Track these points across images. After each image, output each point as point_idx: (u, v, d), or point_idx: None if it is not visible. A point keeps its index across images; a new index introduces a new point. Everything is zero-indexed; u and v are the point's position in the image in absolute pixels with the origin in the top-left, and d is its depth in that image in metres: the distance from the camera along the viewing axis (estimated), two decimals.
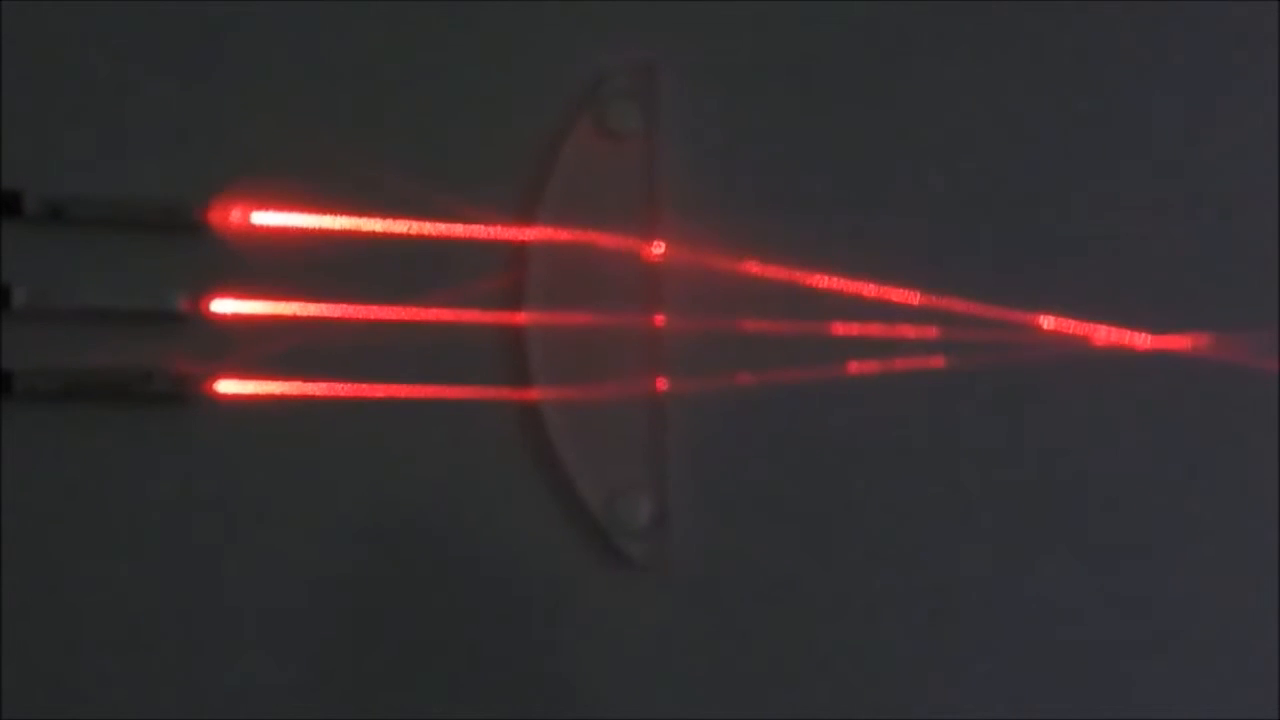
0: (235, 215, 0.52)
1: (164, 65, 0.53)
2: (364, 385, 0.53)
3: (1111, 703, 0.57)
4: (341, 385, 0.53)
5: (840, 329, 0.55)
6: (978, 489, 0.56)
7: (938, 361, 0.56)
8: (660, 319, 0.54)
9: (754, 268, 0.55)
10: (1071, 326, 0.57)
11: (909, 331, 0.56)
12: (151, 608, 0.52)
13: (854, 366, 0.55)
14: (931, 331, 0.56)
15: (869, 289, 0.56)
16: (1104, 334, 0.57)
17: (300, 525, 0.53)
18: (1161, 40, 0.59)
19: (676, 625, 0.54)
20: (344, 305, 0.53)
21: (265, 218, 0.52)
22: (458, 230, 0.54)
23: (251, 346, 0.53)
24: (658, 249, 0.54)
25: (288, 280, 0.53)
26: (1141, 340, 0.57)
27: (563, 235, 0.54)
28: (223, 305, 0.52)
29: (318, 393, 0.52)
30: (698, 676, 0.54)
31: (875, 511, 0.55)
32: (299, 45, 0.54)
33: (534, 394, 0.53)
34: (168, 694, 0.51)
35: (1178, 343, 0.58)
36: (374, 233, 0.53)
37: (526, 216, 0.54)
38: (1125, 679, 0.57)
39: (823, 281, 0.55)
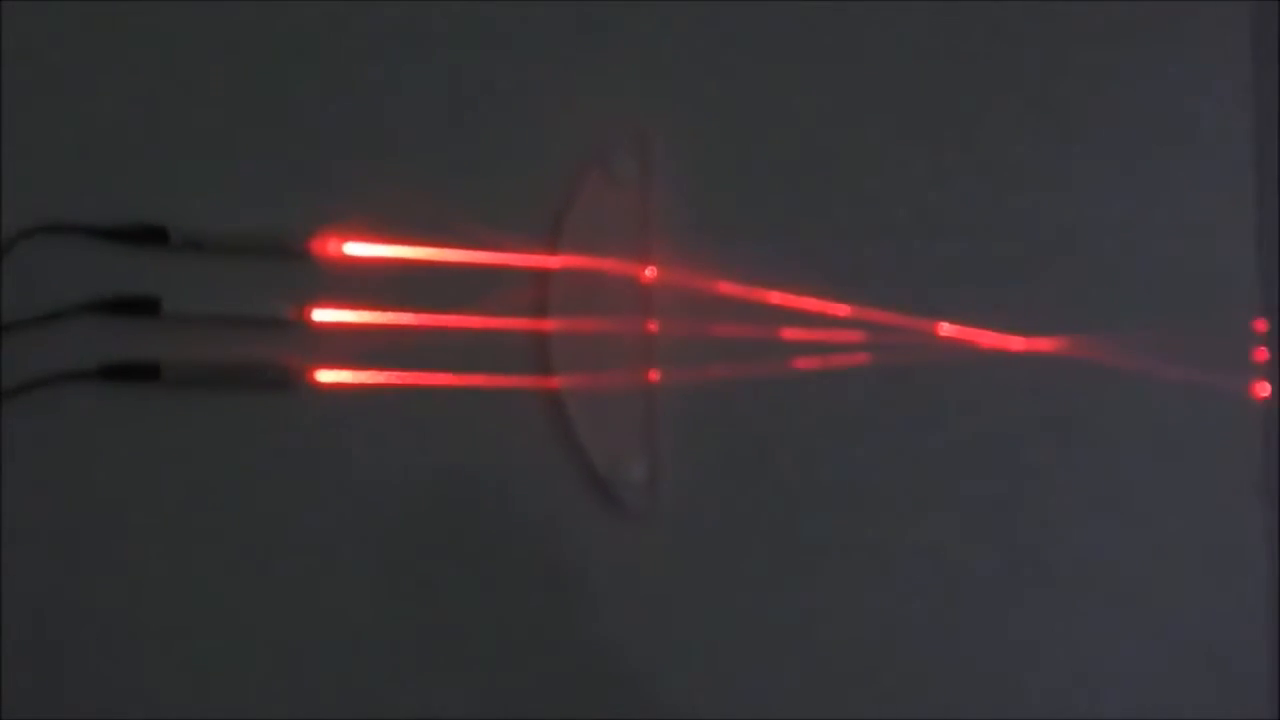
0: (331, 245, 0.68)
1: (276, 129, 0.68)
2: (426, 374, 0.68)
3: (983, 619, 0.74)
4: (409, 375, 0.68)
5: (788, 334, 0.72)
6: (893, 454, 0.73)
7: (862, 359, 0.73)
8: (653, 325, 0.70)
9: (724, 287, 0.71)
10: (962, 332, 0.73)
11: (840, 336, 0.72)
12: (266, 543, 0.67)
13: (799, 363, 0.72)
14: (857, 336, 0.73)
15: (810, 303, 0.72)
16: (986, 338, 0.74)
17: (378, 480, 0.68)
18: (1033, 96, 0.76)
19: (664, 557, 0.71)
20: (411, 313, 0.68)
21: (353, 247, 0.68)
22: (498, 257, 0.69)
23: (343, 345, 0.68)
24: (650, 272, 0.70)
25: (370, 294, 0.68)
26: (1016, 343, 0.74)
27: (577, 261, 0.70)
28: (322, 314, 0.68)
29: (392, 381, 0.68)
30: (680, 595, 0.71)
31: (819, 471, 0.72)
32: (385, 114, 0.69)
33: (555, 382, 0.69)
34: (279, 607, 0.67)
35: (1044, 345, 0.75)
36: (435, 259, 0.69)
37: (550, 246, 0.70)
38: (996, 602, 0.74)
39: (776, 297, 0.71)
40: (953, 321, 0.74)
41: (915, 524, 0.73)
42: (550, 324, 0.69)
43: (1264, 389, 0.76)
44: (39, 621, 0.64)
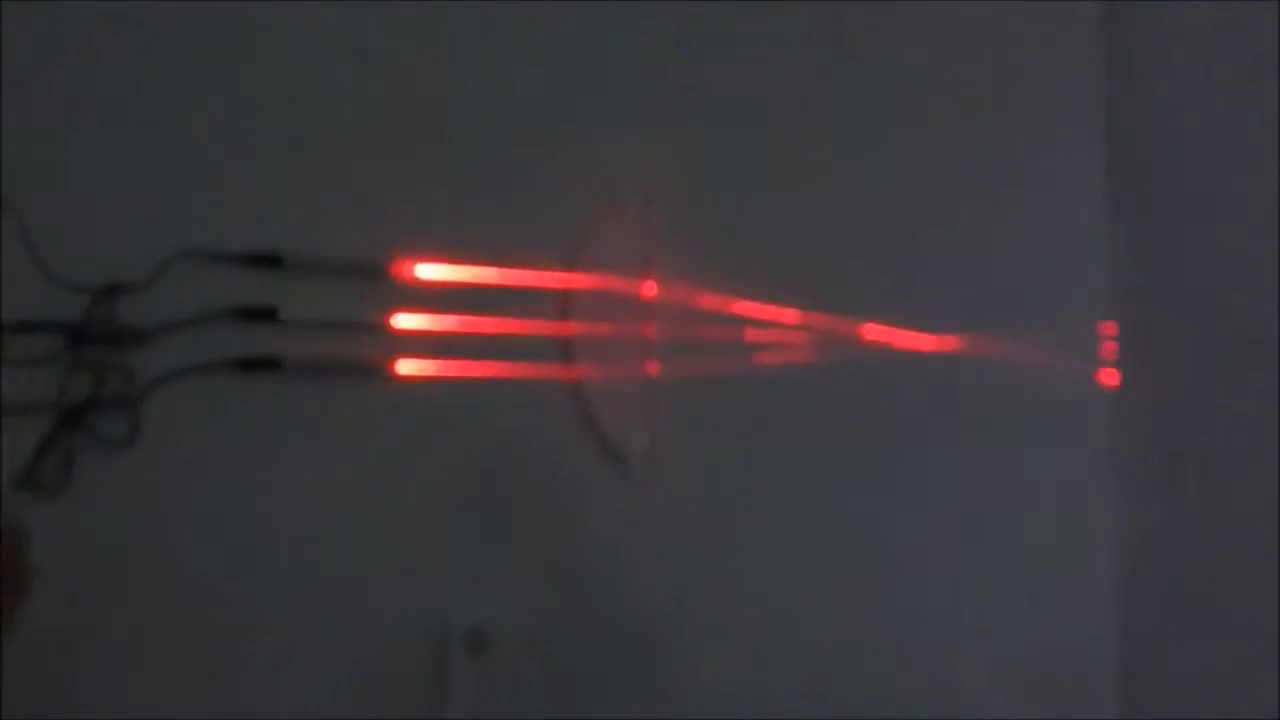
0: (407, 268, 0.89)
1: (366, 180, 0.89)
2: (478, 365, 0.89)
3: (911, 571, 0.97)
4: (466, 366, 0.89)
5: (752, 335, 0.94)
6: (832, 427, 0.96)
7: (807, 355, 0.95)
8: (651, 330, 0.92)
9: (705, 300, 0.93)
10: (882, 333, 0.96)
11: (791, 337, 0.95)
12: (360, 492, 0.87)
13: (761, 357, 0.94)
14: (803, 337, 0.95)
15: (769, 312, 0.94)
16: (903, 338, 0.96)
17: (443, 445, 0.89)
18: (934, 171, 0.99)
19: (659, 509, 0.93)
20: (467, 318, 0.89)
21: (424, 269, 0.89)
22: (533, 276, 0.91)
23: (416, 344, 0.89)
24: (650, 288, 0.92)
25: (436, 304, 0.89)
26: (925, 342, 0.97)
27: (593, 280, 0.91)
28: (400, 320, 0.89)
29: (453, 370, 0.89)
30: (671, 536, 0.93)
31: (777, 440, 0.95)
32: (449, 169, 0.90)
33: (576, 374, 0.91)
34: (371, 541, 0.87)
35: (949, 344, 0.97)
36: (485, 278, 0.90)
37: (572, 268, 0.91)
38: (914, 552, 0.97)
39: (744, 308, 0.94)
40: (875, 324, 0.97)
41: (848, 481, 0.97)
42: (572, 328, 0.91)
43: (1111, 377, 1.00)
44: (207, 542, 0.84)
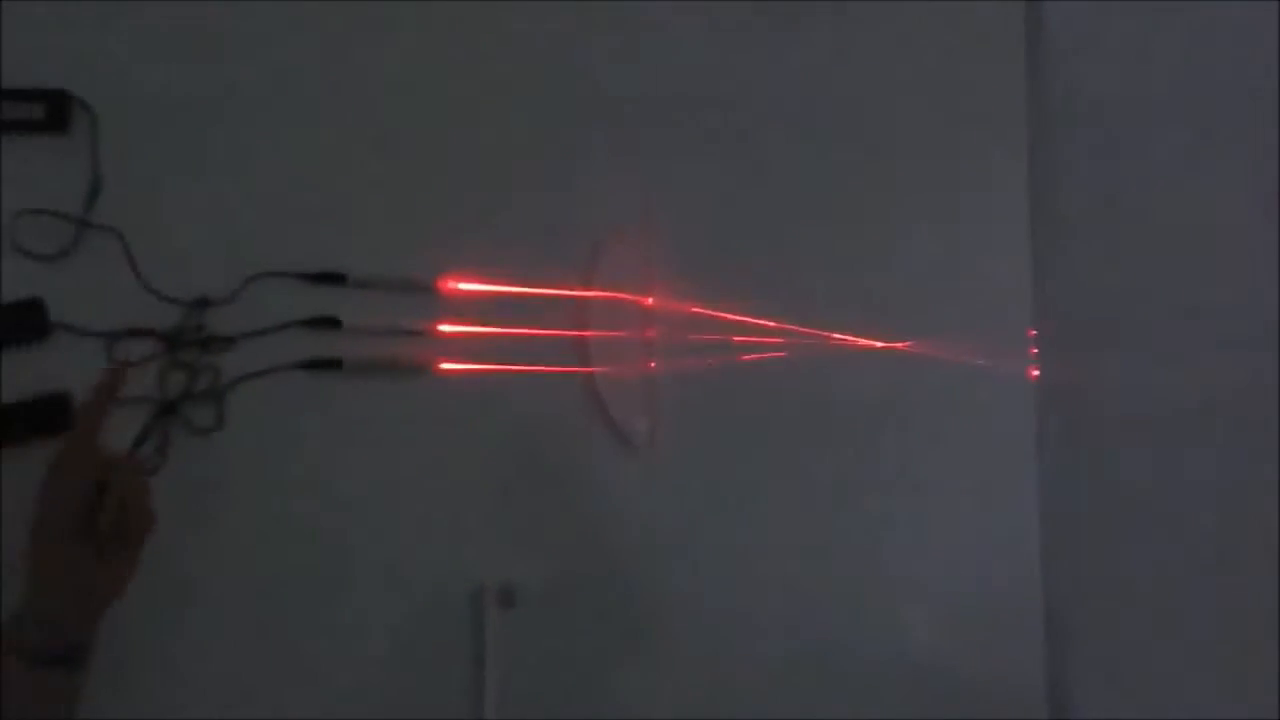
0: (450, 283, 1.02)
1: (416, 208, 1.02)
2: (510, 365, 1.03)
3: (868, 531, 1.11)
4: (500, 365, 1.02)
5: (737, 339, 1.07)
6: (804, 416, 1.09)
7: (782, 354, 1.08)
8: (653, 333, 1.05)
9: (697, 309, 1.06)
10: (844, 337, 1.09)
11: (768, 340, 1.07)
12: (411, 471, 1.01)
13: (744, 358, 1.07)
14: (779, 339, 1.08)
15: (750, 318, 1.07)
16: (859, 341, 1.11)
17: (481, 431, 1.02)
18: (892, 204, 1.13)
19: (660, 482, 1.05)
20: (500, 328, 1.03)
21: (464, 284, 1.03)
22: (555, 290, 1.04)
23: (458, 347, 1.02)
24: (651, 300, 1.06)
25: (474, 314, 1.03)
26: (878, 343, 1.11)
27: (604, 293, 1.05)
28: (444, 327, 1.02)
29: (489, 369, 1.03)
30: (670, 506, 1.05)
31: (759, 424, 1.08)
32: (485, 203, 1.04)
33: (591, 370, 1.04)
34: (420, 509, 1.01)
35: (898, 345, 1.12)
36: (516, 291, 1.03)
37: (587, 283, 1.05)
38: (870, 516, 1.12)
39: (730, 315, 1.07)
40: (837, 329, 1.10)
41: (816, 458, 1.10)
42: (588, 333, 1.04)
43: (1034, 372, 1.14)
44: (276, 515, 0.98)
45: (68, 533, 0.81)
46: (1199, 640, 1.16)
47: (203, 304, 0.98)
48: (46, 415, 0.94)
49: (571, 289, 1.04)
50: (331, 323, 1.01)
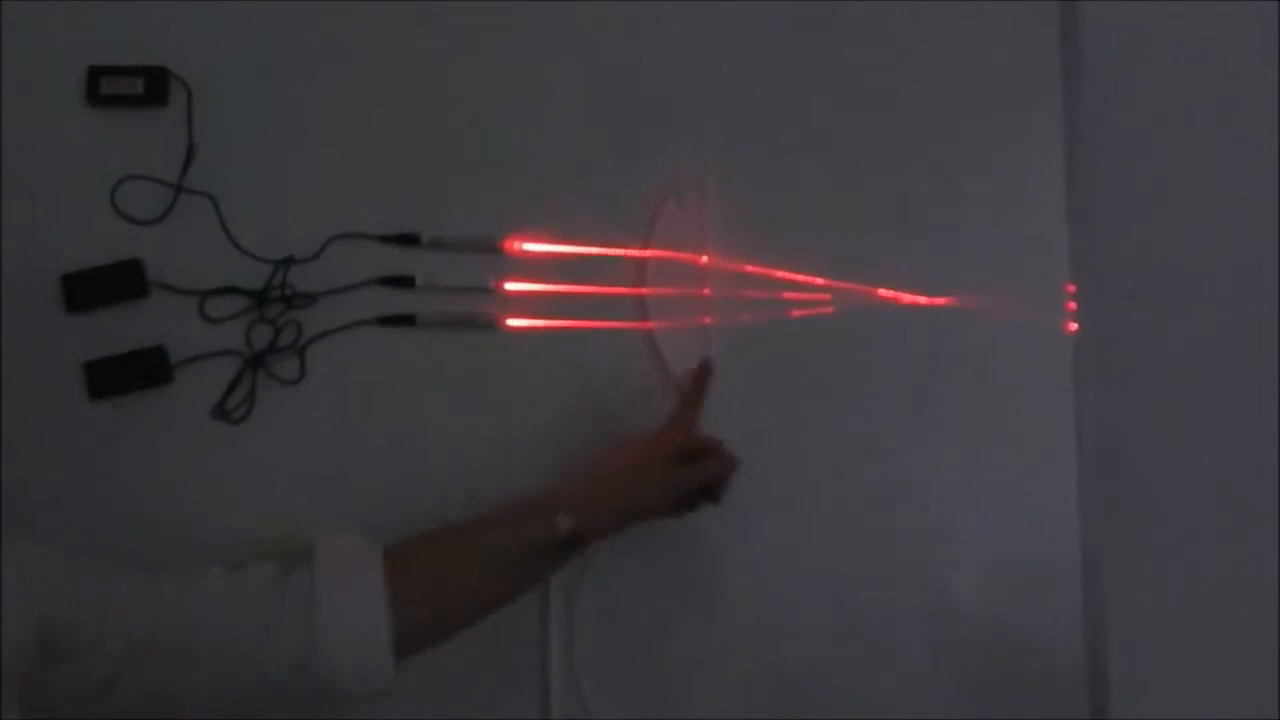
0: (517, 244, 1.08)
1: (486, 175, 1.09)
2: (574, 321, 1.08)
3: (911, 485, 1.14)
4: (564, 321, 1.08)
5: (786, 295, 1.12)
6: (851, 366, 1.13)
7: (829, 310, 1.13)
8: (706, 291, 1.11)
9: (750, 268, 1.11)
10: (889, 294, 1.14)
11: (817, 296, 1.13)
12: (479, 421, 1.07)
13: (794, 313, 1.12)
14: (827, 296, 1.13)
15: (800, 277, 1.12)
16: (904, 297, 1.15)
17: (546, 381, 1.08)
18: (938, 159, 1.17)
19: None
20: (562, 285, 1.09)
21: (530, 245, 1.09)
22: (615, 250, 1.10)
23: (524, 305, 1.08)
24: (705, 259, 1.11)
25: (540, 273, 1.08)
26: (922, 300, 1.15)
27: (661, 253, 1.10)
28: (511, 285, 1.08)
29: (553, 325, 1.08)
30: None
31: (809, 377, 1.12)
32: (554, 170, 1.10)
33: (650, 325, 1.10)
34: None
35: (941, 301, 1.16)
36: (579, 252, 1.09)
37: (645, 244, 1.10)
38: (913, 468, 1.15)
39: (781, 274, 1.12)
40: (884, 286, 1.14)
41: (862, 411, 1.13)
42: (645, 291, 1.10)
43: (1072, 326, 1.16)
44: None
45: (657, 478, 0.99)
46: (1238, 593, 1.20)
47: (287, 263, 1.05)
48: (145, 368, 1.02)
49: (631, 249, 1.09)
50: (406, 281, 1.07)
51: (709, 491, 1.01)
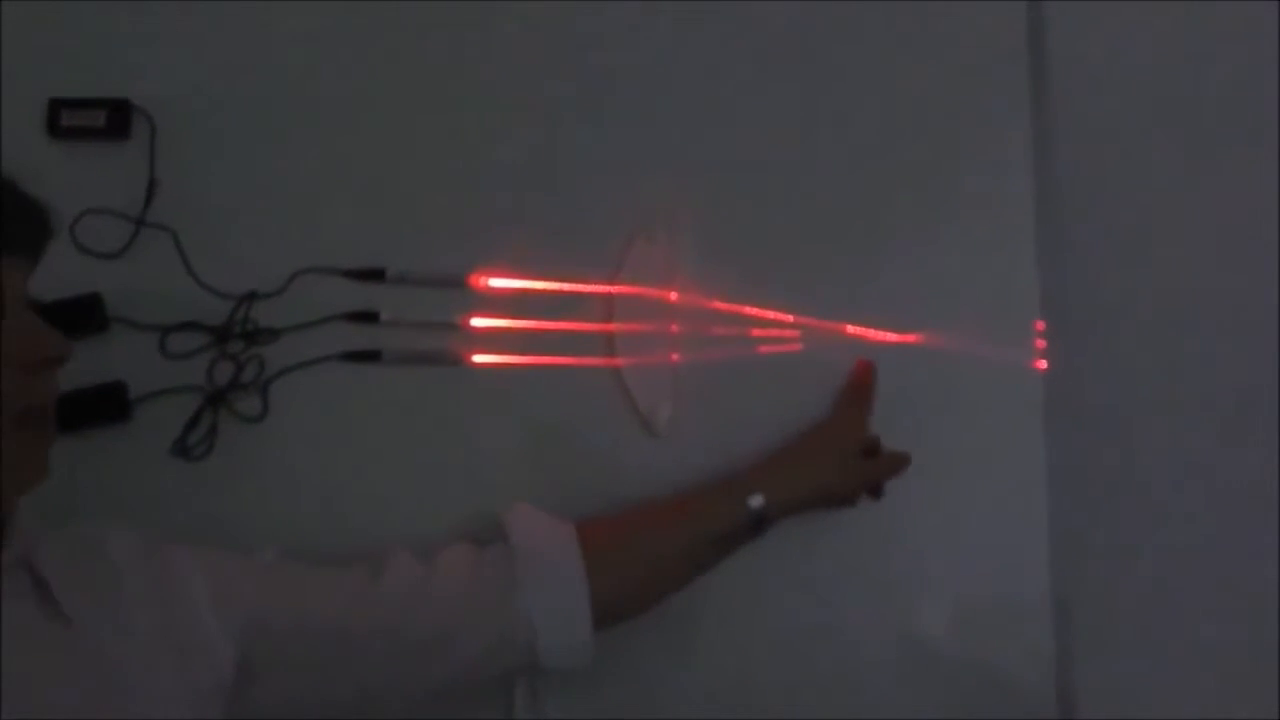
0: (482, 279, 1.07)
1: (451, 211, 1.08)
2: (540, 357, 1.07)
3: (880, 520, 1.12)
4: (529, 358, 1.07)
5: (755, 332, 1.11)
6: (818, 403, 1.11)
7: (797, 347, 1.12)
8: (675, 328, 1.10)
9: (718, 304, 1.10)
10: (857, 330, 1.12)
11: (783, 334, 1.11)
12: (446, 455, 1.06)
13: (762, 350, 1.11)
14: (796, 334, 1.12)
15: (768, 313, 1.11)
16: (872, 334, 1.13)
17: (513, 418, 1.07)
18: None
19: (680, 466, 1.07)
20: (529, 321, 1.08)
21: (495, 280, 1.08)
22: (583, 286, 1.09)
23: (490, 340, 1.07)
24: (674, 296, 1.10)
25: (506, 308, 1.08)
26: (890, 337, 1.13)
27: (630, 289, 1.09)
28: (477, 321, 1.07)
29: (519, 361, 1.07)
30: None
31: (775, 413, 1.10)
32: (517, 207, 1.09)
33: (619, 362, 1.08)
34: (455, 484, 1.08)
35: (909, 339, 1.15)
36: (545, 288, 1.08)
37: (614, 280, 1.09)
38: (885, 507, 1.14)
39: (748, 310, 1.11)
40: (851, 323, 1.13)
41: None
42: (614, 327, 1.08)
43: (1041, 364, 1.14)
44: None
45: (846, 466, 1.06)
46: (1205, 630, 1.19)
47: (250, 299, 1.04)
48: (105, 403, 1.01)
49: (598, 285, 1.09)
50: (371, 317, 1.06)
51: (875, 487, 1.08)
